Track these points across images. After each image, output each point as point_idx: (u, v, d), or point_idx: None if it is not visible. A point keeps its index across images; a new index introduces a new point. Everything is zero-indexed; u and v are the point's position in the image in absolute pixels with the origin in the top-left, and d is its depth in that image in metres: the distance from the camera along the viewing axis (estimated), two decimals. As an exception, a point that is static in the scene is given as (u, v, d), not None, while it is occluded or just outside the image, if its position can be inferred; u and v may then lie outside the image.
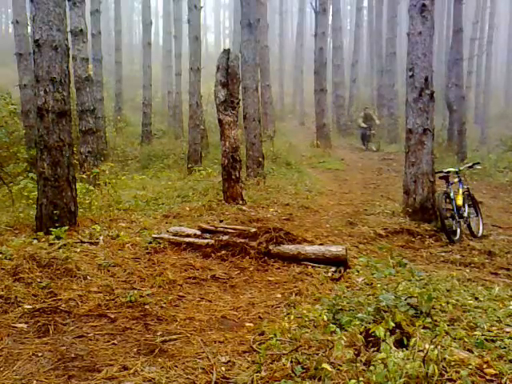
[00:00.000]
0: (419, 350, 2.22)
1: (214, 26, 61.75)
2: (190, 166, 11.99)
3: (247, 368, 2.45)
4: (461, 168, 7.07)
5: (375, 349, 2.40)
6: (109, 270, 3.96)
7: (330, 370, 2.18)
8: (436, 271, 4.44)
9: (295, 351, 2.48)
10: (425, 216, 6.68)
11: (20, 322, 2.97)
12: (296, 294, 3.64)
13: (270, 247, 4.53)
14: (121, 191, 7.75)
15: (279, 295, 3.71)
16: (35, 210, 5.25)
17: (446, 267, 4.81)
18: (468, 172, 8.49)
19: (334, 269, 4.21)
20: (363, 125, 16.99)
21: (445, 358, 2.23)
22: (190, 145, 12.64)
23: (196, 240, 4.83)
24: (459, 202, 6.42)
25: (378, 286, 3.65)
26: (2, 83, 15.09)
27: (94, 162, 9.19)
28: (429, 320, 2.80)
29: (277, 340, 2.64)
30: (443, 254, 5.44)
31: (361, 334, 2.56)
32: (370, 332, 2.42)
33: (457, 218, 6.27)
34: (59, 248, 4.29)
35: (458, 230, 6.21)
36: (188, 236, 4.95)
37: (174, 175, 11.48)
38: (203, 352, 2.65)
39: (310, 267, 4.28)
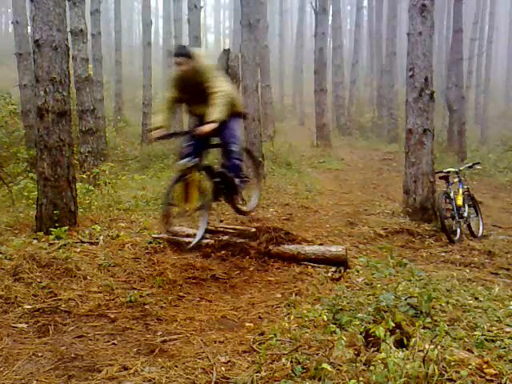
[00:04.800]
0: (419, 350, 2.21)
1: (213, 26, 61.75)
2: (190, 166, 11.96)
3: (247, 368, 2.45)
4: (461, 168, 7.08)
5: (375, 349, 2.39)
6: (109, 270, 3.96)
7: (330, 369, 2.18)
8: (436, 271, 4.44)
9: (295, 351, 2.48)
10: (425, 216, 6.68)
11: (20, 322, 2.97)
12: (296, 294, 3.63)
13: (270, 247, 4.52)
14: (121, 191, 7.74)
15: (279, 295, 3.71)
16: (35, 210, 5.24)
17: (446, 267, 4.81)
18: (468, 172, 8.51)
19: (333, 269, 4.21)
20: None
21: (445, 358, 2.23)
22: (189, 145, 12.62)
23: (196, 240, 4.82)
24: (459, 201, 6.43)
25: (378, 285, 3.64)
26: (2, 83, 15.06)
27: (93, 162, 9.18)
28: (429, 320, 2.80)
29: (277, 340, 2.64)
30: (443, 253, 5.44)
31: (361, 334, 2.56)
32: (370, 332, 2.42)
33: (457, 217, 6.28)
34: (59, 248, 4.29)
35: (458, 230, 6.22)
36: (188, 236, 4.94)
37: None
38: (203, 352, 2.65)
39: (309, 267, 4.28)
